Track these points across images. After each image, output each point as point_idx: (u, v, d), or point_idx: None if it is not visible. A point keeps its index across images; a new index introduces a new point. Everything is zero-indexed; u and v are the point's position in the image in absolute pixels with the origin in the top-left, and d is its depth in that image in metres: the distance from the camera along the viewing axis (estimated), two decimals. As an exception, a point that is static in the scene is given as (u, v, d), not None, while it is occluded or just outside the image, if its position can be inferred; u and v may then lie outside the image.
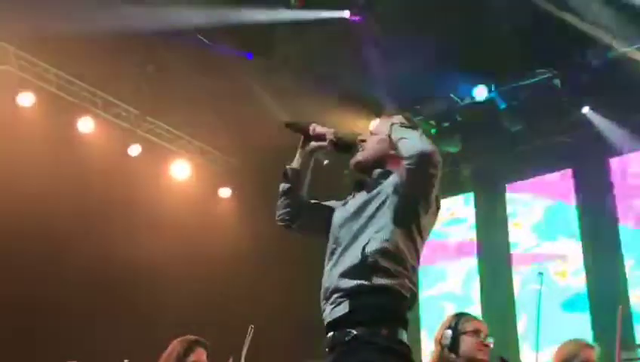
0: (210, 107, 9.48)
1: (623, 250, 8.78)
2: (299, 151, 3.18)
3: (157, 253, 9.09)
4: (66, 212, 8.51)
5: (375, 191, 2.85)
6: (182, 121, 10.09)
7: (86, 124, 9.32)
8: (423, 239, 2.84)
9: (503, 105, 8.57)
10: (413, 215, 2.79)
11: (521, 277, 9.48)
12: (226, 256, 9.88)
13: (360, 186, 2.99)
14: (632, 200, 8.91)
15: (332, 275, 2.80)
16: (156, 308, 8.95)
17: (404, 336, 2.69)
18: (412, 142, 2.75)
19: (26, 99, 8.81)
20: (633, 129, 8.41)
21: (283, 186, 3.19)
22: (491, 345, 3.72)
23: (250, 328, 4.78)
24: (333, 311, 2.75)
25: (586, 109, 8.51)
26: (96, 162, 9.21)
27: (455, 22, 8.14)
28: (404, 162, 2.71)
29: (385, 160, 2.97)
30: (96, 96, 9.46)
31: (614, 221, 8.89)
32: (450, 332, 3.72)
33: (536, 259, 9.44)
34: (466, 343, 3.70)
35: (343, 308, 2.71)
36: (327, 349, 2.75)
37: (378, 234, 2.73)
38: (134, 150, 9.81)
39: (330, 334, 2.75)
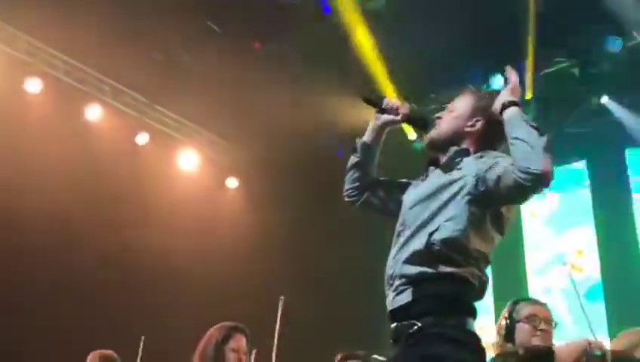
0: (219, 96, 9.32)
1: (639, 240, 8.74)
2: (371, 124, 3.05)
3: (165, 243, 9.01)
4: (73, 200, 8.38)
5: (453, 175, 2.67)
6: (190, 110, 9.91)
7: (94, 112, 9.16)
8: (500, 231, 2.68)
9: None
10: (491, 210, 2.63)
11: (534, 268, 9.40)
12: (234, 246, 9.77)
13: (434, 165, 2.84)
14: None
15: (397, 260, 2.67)
16: (165, 297, 8.83)
17: (472, 326, 2.57)
18: (537, 155, 2.43)
19: (34, 86, 8.64)
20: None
21: (352, 160, 3.06)
22: (550, 330, 3.55)
23: (280, 299, 4.65)
24: (395, 299, 2.63)
25: (605, 99, 8.44)
26: (104, 150, 9.10)
27: (473, 9, 8.03)
28: (517, 173, 2.44)
29: (461, 137, 2.81)
30: (104, 83, 9.29)
31: (630, 211, 8.83)
32: (505, 322, 3.58)
33: (551, 250, 9.37)
34: (521, 330, 3.54)
35: (406, 296, 2.59)
36: (391, 340, 2.63)
37: (449, 222, 2.58)
38: (142, 139, 9.66)
39: (394, 325, 2.62)
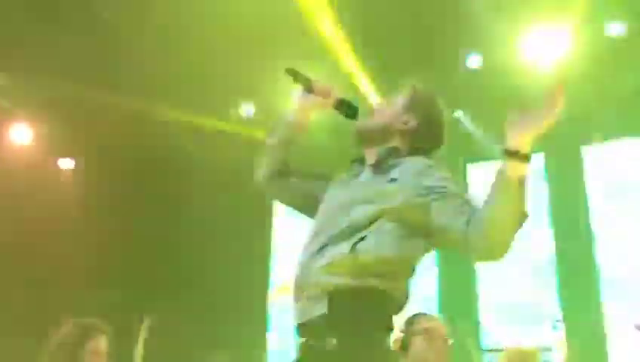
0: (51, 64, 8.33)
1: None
2: (296, 104, 2.75)
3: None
4: None
5: (386, 185, 2.37)
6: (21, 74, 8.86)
7: None
8: (436, 246, 2.42)
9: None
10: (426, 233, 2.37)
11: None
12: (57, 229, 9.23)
13: (361, 162, 2.57)
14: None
15: (309, 266, 2.35)
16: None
17: (390, 344, 2.37)
18: (504, 243, 2.15)
19: None
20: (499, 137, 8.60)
21: (270, 140, 2.76)
22: (444, 347, 3.45)
23: (145, 320, 4.33)
24: (307, 310, 2.32)
25: (459, 113, 8.65)
26: None
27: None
28: (473, 245, 2.17)
29: (392, 133, 2.56)
30: None
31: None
32: (402, 334, 3.45)
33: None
34: (415, 345, 3.43)
35: (321, 308, 2.27)
36: (297, 360, 2.34)
37: (378, 234, 2.30)
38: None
39: (303, 340, 2.34)
